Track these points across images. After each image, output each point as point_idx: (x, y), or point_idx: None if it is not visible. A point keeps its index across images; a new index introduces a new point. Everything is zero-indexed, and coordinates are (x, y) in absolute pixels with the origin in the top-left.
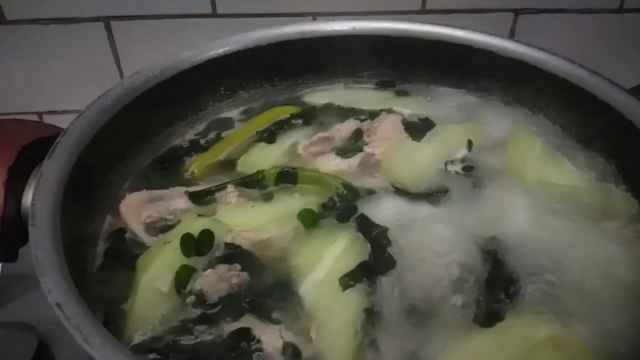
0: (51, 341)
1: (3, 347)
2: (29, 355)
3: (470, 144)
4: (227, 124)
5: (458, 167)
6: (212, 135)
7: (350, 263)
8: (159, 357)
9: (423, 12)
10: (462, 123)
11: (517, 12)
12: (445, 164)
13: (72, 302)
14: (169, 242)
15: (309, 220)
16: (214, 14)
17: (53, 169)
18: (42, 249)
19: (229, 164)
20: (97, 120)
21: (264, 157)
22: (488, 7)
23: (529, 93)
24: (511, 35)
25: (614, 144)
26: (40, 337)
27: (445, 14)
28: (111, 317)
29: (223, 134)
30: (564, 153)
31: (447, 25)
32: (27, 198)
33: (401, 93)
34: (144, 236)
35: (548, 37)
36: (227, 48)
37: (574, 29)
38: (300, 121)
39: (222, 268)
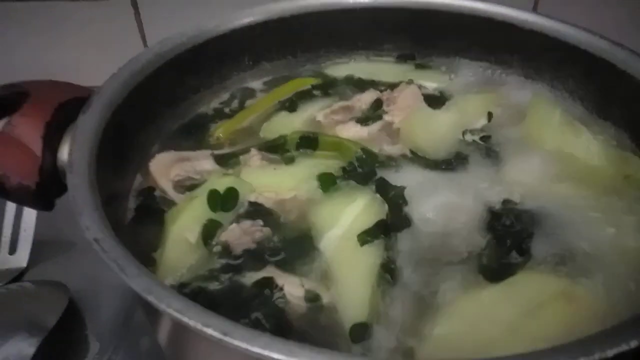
0: (81, 302)
1: (34, 302)
2: (59, 311)
3: (490, 115)
4: (250, 93)
5: (476, 136)
6: (235, 104)
7: (368, 221)
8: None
9: None
10: (481, 94)
11: None
12: (464, 132)
13: (109, 237)
14: (197, 197)
15: (328, 182)
16: None
17: (88, 124)
18: (79, 192)
19: (252, 131)
20: (128, 82)
21: (286, 124)
22: None
23: (548, 65)
24: (534, 8)
25: (633, 113)
26: (72, 297)
27: None
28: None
29: (246, 103)
30: (582, 122)
31: None
32: (63, 152)
33: (421, 66)
34: (172, 193)
35: (571, 9)
36: (251, 18)
37: (600, 1)
38: (320, 92)
39: (246, 223)
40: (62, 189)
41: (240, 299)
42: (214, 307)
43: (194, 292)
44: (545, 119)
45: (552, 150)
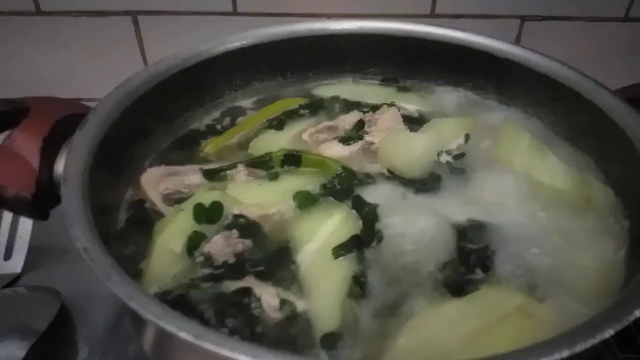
0: (73, 307)
1: (27, 307)
2: (51, 316)
3: (467, 136)
4: (241, 112)
5: (450, 157)
6: (226, 121)
7: (343, 236)
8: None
9: (432, 17)
10: (457, 117)
11: (523, 19)
12: (439, 153)
13: (96, 247)
14: (183, 210)
15: (304, 201)
16: (234, 12)
17: (83, 140)
18: (71, 204)
19: (240, 147)
20: (123, 101)
21: (273, 142)
22: (495, 12)
23: (521, 92)
24: (517, 41)
25: (596, 139)
26: (63, 303)
27: (454, 18)
28: (130, 274)
29: (237, 121)
30: (551, 147)
31: (447, 27)
32: (59, 165)
33: (403, 89)
34: (161, 205)
35: (553, 43)
36: (243, 42)
37: (580, 36)
38: (307, 111)
39: (229, 235)
40: (57, 200)
41: (219, 307)
42: (194, 313)
43: (176, 300)
44: (515, 142)
45: (520, 172)
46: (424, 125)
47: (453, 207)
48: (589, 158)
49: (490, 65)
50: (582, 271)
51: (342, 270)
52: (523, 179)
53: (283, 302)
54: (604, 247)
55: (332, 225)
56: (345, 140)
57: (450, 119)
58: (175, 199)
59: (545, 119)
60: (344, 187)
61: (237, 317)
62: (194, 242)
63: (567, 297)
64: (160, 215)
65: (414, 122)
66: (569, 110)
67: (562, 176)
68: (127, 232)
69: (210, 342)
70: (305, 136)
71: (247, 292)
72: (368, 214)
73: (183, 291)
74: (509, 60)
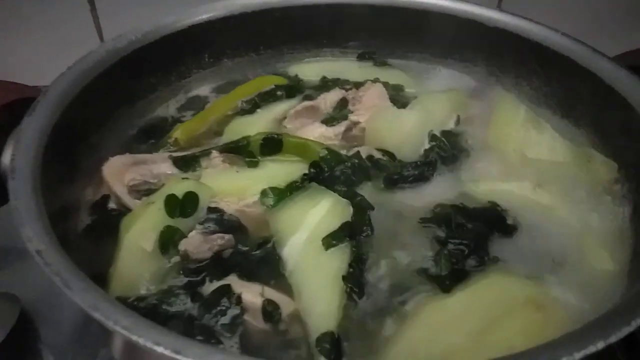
0: (35, 314)
1: None
2: (9, 324)
3: (458, 118)
4: (212, 93)
5: (442, 135)
6: (196, 103)
7: (333, 224)
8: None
9: None
10: (446, 92)
11: None
12: (430, 131)
13: (52, 249)
14: (153, 202)
15: (271, 196)
16: None
17: (33, 127)
18: (21, 200)
19: (213, 133)
20: (78, 81)
21: (249, 126)
22: None
23: (512, 62)
24: (498, 6)
25: (595, 110)
26: (23, 309)
27: None
28: (96, 280)
29: (207, 103)
30: (546, 120)
31: None
32: (6, 156)
33: (386, 64)
34: (127, 199)
35: (534, 8)
36: (211, 14)
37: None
38: (284, 92)
39: (206, 230)
40: (5, 195)
41: (198, 312)
42: (170, 321)
43: (151, 306)
44: (510, 116)
45: (517, 149)
46: (412, 102)
47: (446, 188)
48: (587, 129)
49: (478, 35)
50: (588, 254)
51: (335, 261)
52: (520, 157)
53: (266, 302)
54: (609, 223)
55: (319, 213)
56: (329, 121)
57: (439, 94)
58: (144, 191)
59: (539, 90)
60: (330, 171)
61: (219, 322)
62: (167, 239)
63: (578, 285)
64: (127, 210)
65: (400, 98)
66: (564, 80)
67: (561, 150)
68: (92, 231)
69: (193, 356)
70: (285, 122)
71: (226, 290)
72: (360, 201)
73: (158, 296)
74: (499, 28)
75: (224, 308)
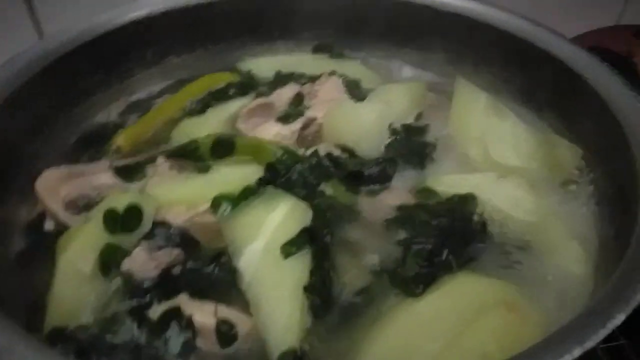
0: None
1: None
2: None
3: (419, 115)
4: (157, 94)
5: (402, 128)
6: (140, 106)
7: (292, 230)
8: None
9: None
10: (405, 83)
11: None
12: (390, 125)
13: None
14: (92, 218)
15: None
16: None
17: None
18: None
19: (159, 138)
20: (8, 84)
21: (198, 128)
22: None
23: (471, 48)
24: None
25: (557, 94)
26: None
27: None
28: (35, 309)
29: (153, 105)
30: (508, 106)
31: None
32: None
33: (343, 56)
34: (64, 216)
35: None
36: (151, 9)
37: None
38: (236, 90)
39: (152, 246)
40: None
41: (146, 340)
42: (115, 353)
43: (92, 337)
44: (471, 105)
45: (479, 137)
46: (370, 94)
47: (409, 184)
48: (550, 115)
49: (434, 21)
50: (556, 242)
51: (295, 271)
52: (482, 149)
53: (220, 322)
54: (575, 211)
55: (277, 218)
56: (285, 119)
57: (398, 85)
58: (83, 206)
59: (499, 76)
60: (287, 173)
61: (169, 350)
62: (108, 258)
63: (548, 284)
64: (66, 228)
65: (357, 91)
66: (524, 64)
67: (524, 137)
68: (26, 255)
69: None
70: (238, 123)
71: (175, 313)
72: (320, 204)
73: (101, 324)
74: (455, 14)
75: (173, 334)
